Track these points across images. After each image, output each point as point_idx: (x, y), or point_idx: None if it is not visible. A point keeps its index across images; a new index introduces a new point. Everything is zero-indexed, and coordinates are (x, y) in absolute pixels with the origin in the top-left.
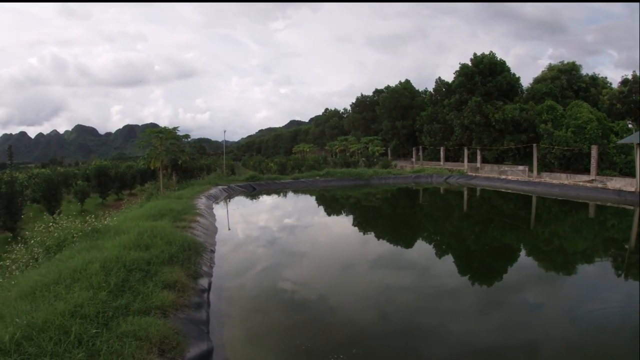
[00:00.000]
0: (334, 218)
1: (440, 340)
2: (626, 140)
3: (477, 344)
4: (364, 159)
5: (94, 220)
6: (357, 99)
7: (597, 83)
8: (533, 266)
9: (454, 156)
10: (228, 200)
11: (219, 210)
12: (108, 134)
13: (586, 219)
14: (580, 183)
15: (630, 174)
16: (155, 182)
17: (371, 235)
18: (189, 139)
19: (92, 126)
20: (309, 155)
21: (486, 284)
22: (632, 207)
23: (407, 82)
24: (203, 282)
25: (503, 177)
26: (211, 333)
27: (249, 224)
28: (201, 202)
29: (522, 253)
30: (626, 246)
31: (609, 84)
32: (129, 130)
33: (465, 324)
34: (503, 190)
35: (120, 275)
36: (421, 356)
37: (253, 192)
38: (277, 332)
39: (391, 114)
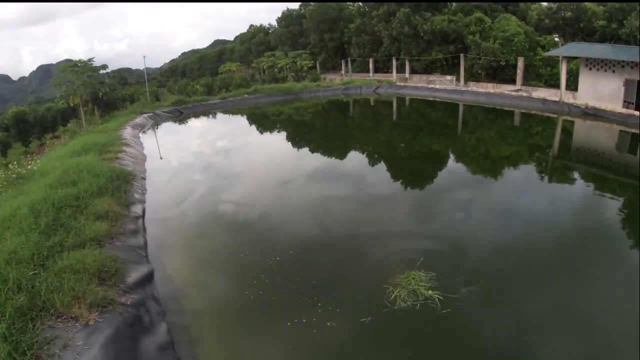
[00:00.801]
0: (267, 136)
1: (374, 243)
2: (552, 52)
3: (410, 246)
4: (292, 73)
5: (17, 167)
6: (283, 13)
7: None
8: (461, 171)
9: (383, 67)
10: (155, 127)
11: (148, 138)
12: (22, 79)
13: (512, 126)
14: (506, 92)
15: (555, 85)
16: (77, 119)
17: (305, 150)
18: (107, 70)
19: (4, 73)
20: (236, 74)
21: (418, 188)
22: (555, 116)
23: None
24: (136, 209)
25: (431, 86)
26: (150, 256)
27: (181, 150)
28: (127, 133)
29: (451, 158)
30: (550, 152)
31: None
32: (44, 71)
33: (398, 228)
34: (431, 99)
35: (50, 215)
36: (355, 254)
37: (180, 117)
38: (216, 247)
39: (319, 27)
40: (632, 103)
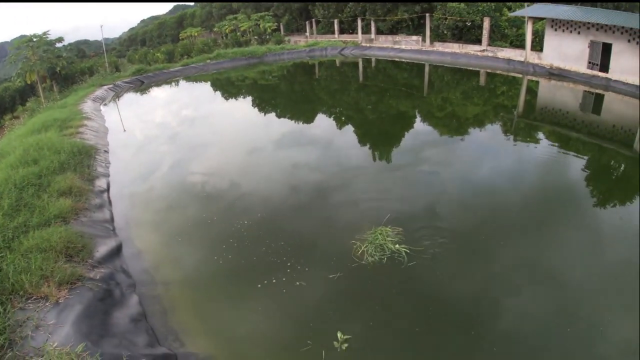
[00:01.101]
0: (232, 103)
1: (342, 202)
2: (518, 13)
3: (378, 204)
4: (255, 37)
5: None
6: None
7: None
8: (428, 131)
9: (348, 28)
10: (117, 99)
11: (109, 111)
12: None
13: (477, 86)
14: (472, 52)
15: (521, 46)
16: (36, 97)
17: (272, 116)
18: (64, 43)
19: None
20: (197, 40)
21: (385, 149)
22: (520, 75)
23: None
24: (100, 182)
25: (397, 47)
26: (117, 229)
27: (144, 121)
28: (87, 106)
29: (418, 119)
30: (515, 111)
31: None
32: None
33: (366, 187)
34: (397, 59)
35: (12, 196)
36: (323, 213)
37: (142, 86)
38: (184, 217)
39: None
40: (597, 64)
